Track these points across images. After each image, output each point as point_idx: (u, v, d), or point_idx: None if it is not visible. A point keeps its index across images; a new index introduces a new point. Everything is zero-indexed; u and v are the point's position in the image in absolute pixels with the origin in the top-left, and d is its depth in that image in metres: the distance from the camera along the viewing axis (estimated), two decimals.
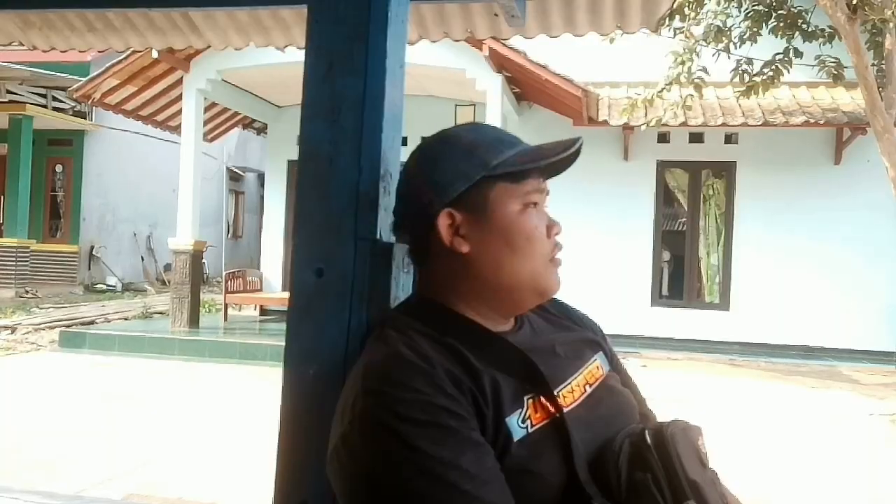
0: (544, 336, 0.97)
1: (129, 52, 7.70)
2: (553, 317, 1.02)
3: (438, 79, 8.38)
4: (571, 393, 0.90)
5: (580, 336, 1.01)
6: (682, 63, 7.23)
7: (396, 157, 1.02)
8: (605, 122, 8.38)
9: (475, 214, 0.90)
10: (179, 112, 8.99)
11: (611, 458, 0.83)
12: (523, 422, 0.82)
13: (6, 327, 8.60)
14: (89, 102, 9.38)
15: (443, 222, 0.89)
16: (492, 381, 0.82)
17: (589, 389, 0.92)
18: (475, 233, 0.90)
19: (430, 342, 0.84)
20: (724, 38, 7.34)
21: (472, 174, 0.89)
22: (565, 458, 0.81)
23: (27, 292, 12.29)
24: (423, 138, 0.98)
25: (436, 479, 0.73)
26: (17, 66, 11.32)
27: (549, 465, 0.80)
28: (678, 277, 9.67)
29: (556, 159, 0.91)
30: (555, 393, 0.86)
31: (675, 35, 7.37)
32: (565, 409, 0.85)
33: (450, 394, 0.78)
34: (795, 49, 7.20)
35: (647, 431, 0.85)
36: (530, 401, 0.84)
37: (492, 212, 0.90)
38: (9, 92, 11.92)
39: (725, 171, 9.18)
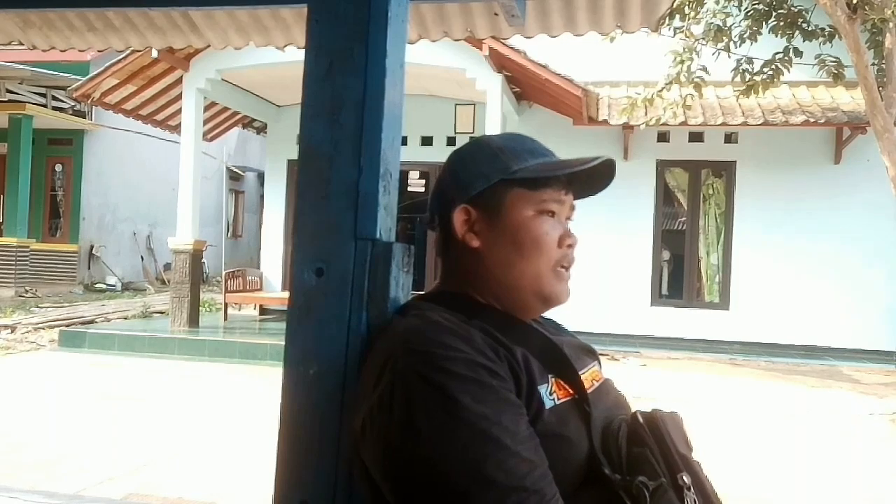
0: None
1: (128, 52, 7.70)
2: (552, 329, 1.07)
3: (438, 78, 8.38)
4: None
5: (580, 344, 1.07)
6: (682, 62, 7.23)
7: (396, 156, 1.02)
8: (605, 122, 8.38)
9: (489, 214, 0.96)
10: (179, 111, 8.99)
11: (611, 437, 0.89)
12: (550, 394, 0.87)
13: (6, 327, 8.60)
14: (89, 102, 9.37)
15: (458, 217, 0.97)
16: (522, 354, 0.88)
17: (596, 384, 0.98)
18: (487, 231, 0.96)
19: (459, 321, 0.88)
20: (723, 38, 7.34)
21: (491, 176, 0.97)
22: (587, 431, 0.88)
23: (27, 291, 12.30)
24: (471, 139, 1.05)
25: (479, 432, 0.77)
26: (18, 66, 11.32)
27: (577, 433, 0.87)
28: (678, 277, 9.66)
29: (572, 171, 0.97)
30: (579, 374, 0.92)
31: (674, 34, 7.37)
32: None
33: (489, 356, 0.83)
34: (795, 48, 7.20)
35: (639, 413, 0.93)
36: (553, 378, 0.89)
37: (505, 213, 0.96)
38: (9, 91, 11.92)
39: (725, 170, 9.18)
